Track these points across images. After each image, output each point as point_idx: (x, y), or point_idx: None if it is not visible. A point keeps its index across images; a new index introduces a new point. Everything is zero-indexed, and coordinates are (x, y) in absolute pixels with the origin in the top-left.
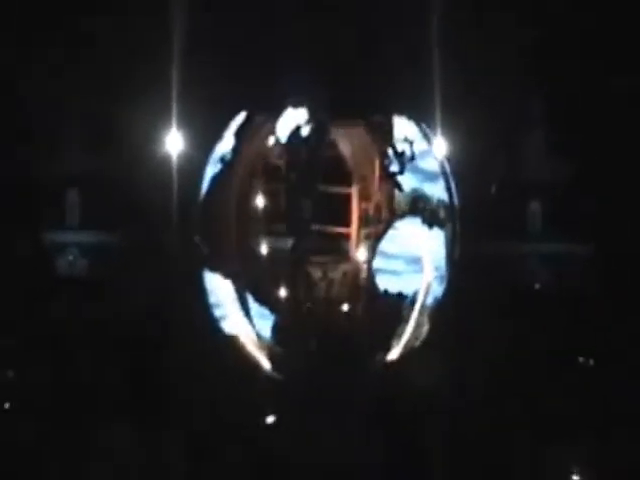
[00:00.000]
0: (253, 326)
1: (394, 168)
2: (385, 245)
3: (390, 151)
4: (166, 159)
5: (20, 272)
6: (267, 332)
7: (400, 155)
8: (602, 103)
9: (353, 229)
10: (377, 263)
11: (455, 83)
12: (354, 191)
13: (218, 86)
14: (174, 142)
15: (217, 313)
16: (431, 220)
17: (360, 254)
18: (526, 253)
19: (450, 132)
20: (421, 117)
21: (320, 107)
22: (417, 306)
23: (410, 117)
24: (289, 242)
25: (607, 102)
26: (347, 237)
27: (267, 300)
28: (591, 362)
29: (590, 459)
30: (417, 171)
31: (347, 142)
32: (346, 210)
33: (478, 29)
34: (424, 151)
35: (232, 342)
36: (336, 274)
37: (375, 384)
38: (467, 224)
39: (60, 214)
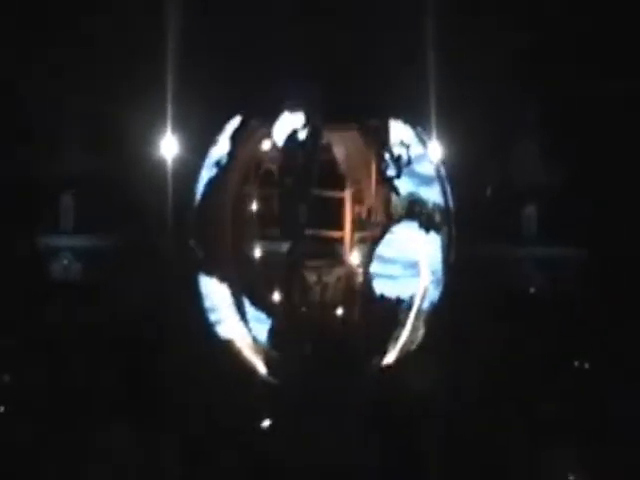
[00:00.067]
0: (249, 330)
1: (391, 172)
2: (382, 249)
3: (387, 155)
4: (161, 162)
5: (15, 276)
6: (263, 336)
7: (397, 159)
8: (597, 108)
9: (346, 233)
10: (374, 267)
11: (450, 87)
12: (347, 195)
13: (213, 89)
14: (169, 145)
15: (212, 317)
16: (427, 224)
17: (354, 258)
18: (521, 257)
19: (445, 136)
20: (416, 121)
21: (315, 111)
22: (413, 310)
23: (406, 121)
24: (284, 246)
25: (602, 107)
26: (341, 241)
27: (263, 304)
28: (586, 366)
29: (586, 463)
30: (413, 175)
31: (340, 146)
32: (339, 214)
33: (474, 33)
34: (420, 155)
35: (228, 346)
36: (331, 278)
37: (371, 388)
38: (462, 228)
39: (54, 218)
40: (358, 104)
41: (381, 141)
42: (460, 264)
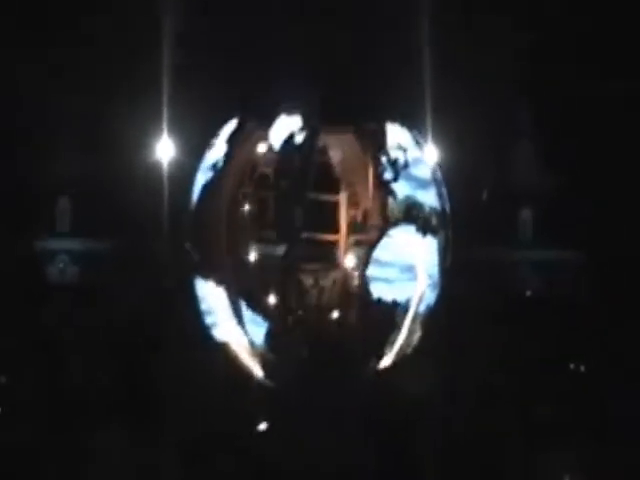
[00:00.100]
0: (246, 333)
1: (388, 175)
2: (379, 253)
3: (384, 158)
4: (157, 166)
5: (11, 278)
6: (260, 339)
7: (394, 163)
8: (593, 111)
9: (342, 236)
10: (371, 271)
11: (447, 91)
12: (343, 198)
13: (209, 93)
14: (165, 149)
15: (209, 320)
16: (424, 228)
17: (349, 261)
18: (518, 260)
19: (441, 139)
20: (413, 124)
21: (312, 114)
22: (410, 313)
23: (402, 124)
24: (280, 249)
25: (598, 110)
26: (337, 244)
27: (259, 307)
28: (582, 368)
29: (582, 465)
30: (410, 178)
31: (336, 149)
32: (335, 217)
33: (469, 37)
34: (417, 158)
35: (224, 349)
36: (327, 281)
37: (367, 391)
38: (459, 231)
39: (51, 221)
40: (355, 107)
41: (378, 144)
42: (456, 267)
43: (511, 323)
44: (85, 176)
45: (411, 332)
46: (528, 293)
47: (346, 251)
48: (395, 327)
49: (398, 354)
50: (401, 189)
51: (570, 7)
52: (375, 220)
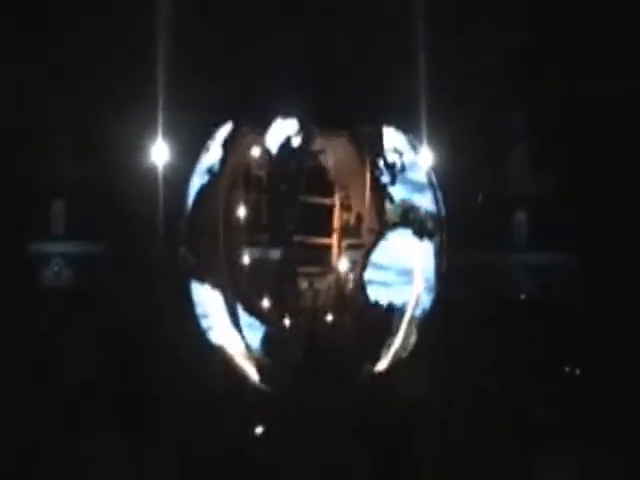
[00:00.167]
0: (242, 337)
1: (385, 179)
2: (376, 256)
3: (381, 162)
4: (152, 169)
5: (5, 282)
6: (256, 343)
7: (391, 166)
8: (587, 115)
9: (335, 240)
10: (368, 274)
11: (441, 94)
12: (337, 201)
13: (204, 96)
14: (160, 152)
15: (204, 324)
16: (421, 231)
17: (342, 265)
18: (512, 264)
19: (436, 143)
20: (409, 127)
21: (307, 118)
22: (406, 317)
23: (398, 128)
24: (276, 253)
25: (593, 114)
26: (330, 248)
27: (256, 311)
28: (577, 372)
29: (578, 468)
30: (406, 182)
31: (330, 152)
32: (330, 221)
33: (464, 40)
34: (413, 162)
35: (220, 353)
36: (322, 285)
37: (363, 395)
38: (453, 235)
39: (45, 224)
40: (350, 111)
41: (374, 148)
42: (451, 271)
43: (506, 326)
44: (80, 179)
45: (407, 336)
46: (522, 296)
47: (339, 255)
48: (391, 331)
49: (394, 358)
50: (397, 193)
51: (568, 9)
52: (371, 224)
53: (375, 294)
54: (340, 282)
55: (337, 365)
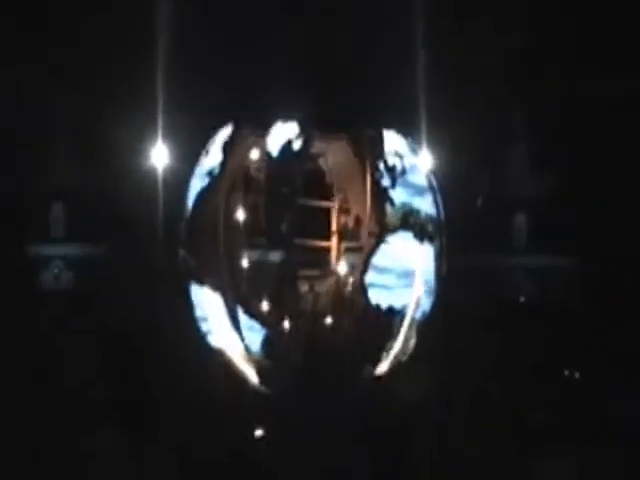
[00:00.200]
0: (242, 340)
1: (385, 182)
2: (377, 259)
3: (381, 165)
4: (152, 172)
5: (5, 284)
6: (256, 346)
7: (391, 169)
8: (587, 118)
9: (334, 243)
10: (369, 277)
11: (441, 96)
12: (336, 204)
13: (204, 98)
14: (160, 155)
15: (204, 327)
16: (421, 234)
17: (341, 268)
18: (512, 266)
19: (436, 145)
20: (408, 130)
21: (306, 120)
22: (406, 320)
23: (398, 131)
24: (277, 255)
25: (593, 117)
26: (329, 250)
27: (256, 314)
28: (577, 375)
29: (578, 471)
30: (407, 185)
31: (330, 155)
32: (326, 224)
33: (463, 44)
34: (413, 165)
35: (219, 356)
36: (322, 288)
37: (363, 398)
38: (453, 238)
39: (45, 227)
40: (350, 113)
41: (375, 151)
42: (451, 274)
43: (505, 329)
44: (79, 181)
45: (407, 339)
46: (522, 299)
47: (338, 258)
48: (392, 334)
49: (394, 361)
50: (398, 196)
51: (568, 10)
52: (372, 227)
53: (376, 297)
54: (340, 285)
55: (337, 368)
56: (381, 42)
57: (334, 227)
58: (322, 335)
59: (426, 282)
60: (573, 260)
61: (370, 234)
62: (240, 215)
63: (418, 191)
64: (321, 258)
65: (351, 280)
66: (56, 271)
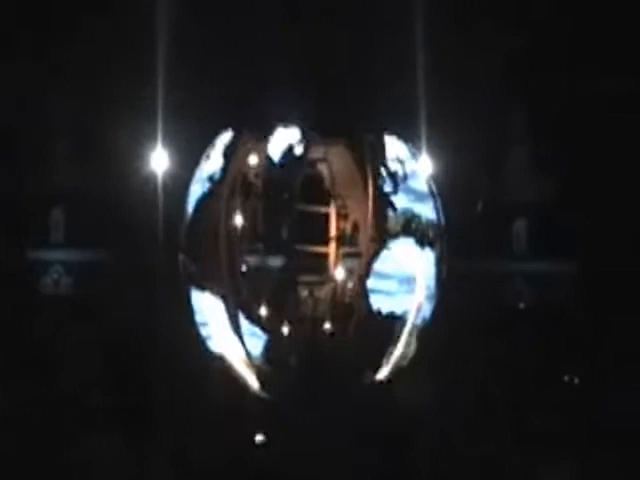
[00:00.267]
0: (243, 345)
1: (387, 188)
2: (378, 265)
3: (383, 171)
4: (151, 177)
5: (5, 289)
6: (257, 351)
7: (393, 175)
8: (587, 124)
9: (331, 248)
10: (370, 283)
11: (441, 103)
12: (337, 211)
13: (203, 103)
14: (159, 160)
15: (204, 332)
16: (422, 240)
17: (339, 273)
18: (512, 272)
19: (435, 151)
20: (410, 137)
21: (306, 126)
22: (408, 326)
23: (400, 137)
24: (274, 261)
25: (592, 123)
26: (328, 256)
27: (257, 319)
28: (576, 380)
29: (576, 476)
30: (408, 191)
31: (329, 161)
32: (324, 229)
33: (463, 50)
34: (414, 171)
35: (220, 361)
36: (322, 293)
37: (363, 403)
38: (454, 243)
39: (45, 232)
40: (351, 118)
41: (376, 157)
42: (452, 279)
43: (505, 334)
44: (80, 187)
45: (408, 344)
46: (522, 304)
47: (336, 263)
48: (392, 339)
49: (394, 366)
50: (399, 202)
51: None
52: (373, 233)
53: (377, 303)
54: (339, 290)
55: (337, 373)
56: (381, 49)
57: (332, 233)
58: (322, 340)
59: (427, 287)
60: (573, 266)
61: (372, 240)
62: (241, 221)
63: (419, 197)
64: (320, 264)
65: (350, 285)
66: (56, 276)
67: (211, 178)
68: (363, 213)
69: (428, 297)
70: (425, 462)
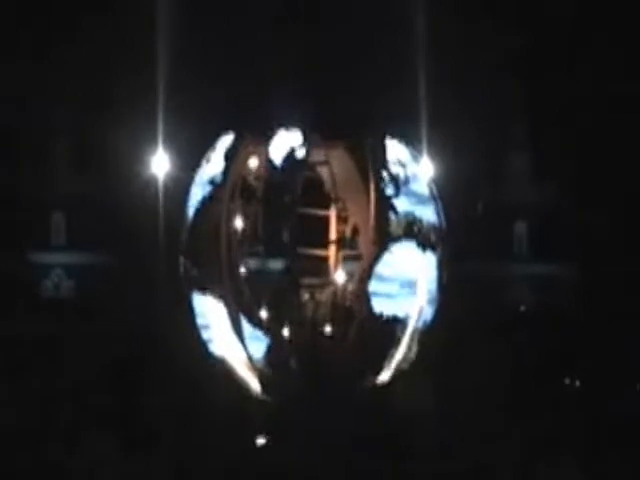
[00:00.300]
0: (245, 348)
1: (389, 191)
2: (380, 268)
3: (385, 174)
4: (152, 180)
5: (5, 293)
6: (259, 354)
7: (395, 178)
8: (588, 127)
9: (331, 251)
10: (372, 286)
11: (442, 106)
12: (339, 214)
13: (204, 107)
14: (160, 163)
15: (206, 335)
16: (424, 243)
17: (338, 276)
18: (512, 275)
19: (437, 154)
20: (410, 140)
21: (308, 129)
22: (409, 329)
23: (401, 140)
24: (275, 264)
25: (593, 126)
26: (327, 259)
27: (259, 322)
28: (577, 382)
29: (578, 478)
30: (410, 194)
31: (329, 164)
32: (324, 232)
33: (464, 54)
34: (415, 174)
35: (221, 364)
36: (323, 296)
37: (365, 406)
38: (455, 246)
39: (46, 235)
40: (352, 121)
41: (377, 159)
42: (453, 282)
43: (506, 337)
44: (80, 190)
45: (409, 347)
46: (522, 308)
47: (336, 266)
48: (394, 342)
49: (396, 369)
50: (401, 205)
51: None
52: (375, 236)
53: (379, 306)
54: (339, 293)
55: (339, 376)
56: (383, 53)
57: (332, 236)
58: (322, 343)
59: (428, 291)
60: (574, 268)
61: (373, 243)
62: (242, 224)
63: (421, 200)
64: (321, 267)
65: (350, 288)
66: (57, 280)
67: (212, 181)
68: (363, 216)
69: (429, 300)
70: (425, 463)
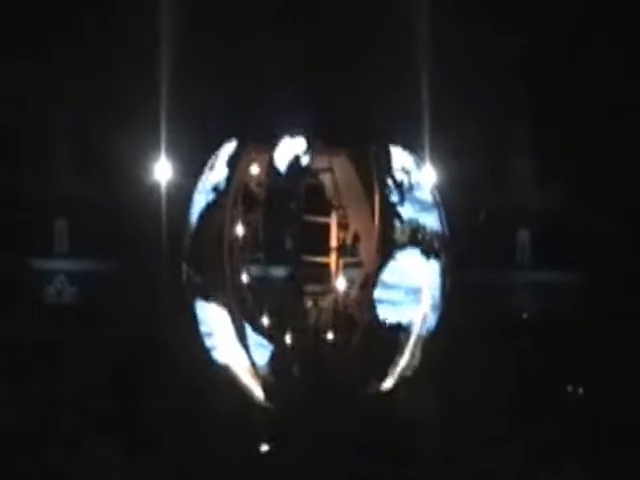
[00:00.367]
0: (249, 355)
1: (394, 198)
2: (385, 275)
3: (389, 181)
4: (155, 187)
5: (8, 300)
6: (263, 362)
7: (399, 185)
8: (592, 134)
9: (332, 258)
10: (377, 293)
11: (445, 113)
12: (341, 221)
13: (207, 114)
14: (163, 170)
15: (209, 343)
16: (428, 251)
17: (339, 283)
18: (516, 282)
19: (439, 161)
20: (414, 147)
21: (310, 136)
22: (413, 336)
23: (405, 147)
24: (280, 271)
25: (597, 133)
26: (329, 266)
27: (262, 330)
28: (580, 390)
29: None
30: (414, 201)
31: (332, 171)
32: (325, 239)
33: (469, 60)
34: (419, 182)
35: (225, 372)
36: (326, 303)
37: (368, 413)
38: (458, 254)
39: (49, 242)
40: (354, 129)
41: (381, 167)
42: (456, 289)
43: (509, 345)
44: (83, 197)
45: (413, 355)
46: (525, 315)
47: (337, 273)
48: (398, 349)
49: (399, 376)
50: (405, 212)
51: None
52: (379, 243)
53: (383, 313)
54: (341, 301)
55: (342, 383)
56: (386, 59)
57: (332, 243)
58: (325, 350)
59: (433, 298)
60: (577, 275)
61: (377, 250)
62: (244, 231)
63: (424, 207)
64: (323, 274)
65: (352, 296)
66: (59, 286)
67: (215, 188)
68: (365, 223)
69: (433, 307)
70: (428, 471)
